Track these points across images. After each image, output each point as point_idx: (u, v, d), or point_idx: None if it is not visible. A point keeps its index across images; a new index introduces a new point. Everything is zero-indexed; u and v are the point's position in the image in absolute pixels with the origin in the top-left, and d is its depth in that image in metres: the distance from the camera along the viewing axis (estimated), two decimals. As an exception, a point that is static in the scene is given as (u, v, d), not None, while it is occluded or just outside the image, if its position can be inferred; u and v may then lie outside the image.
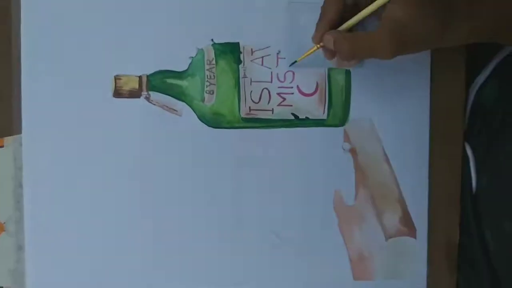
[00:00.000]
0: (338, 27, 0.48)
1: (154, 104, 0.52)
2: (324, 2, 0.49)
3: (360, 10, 0.47)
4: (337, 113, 0.54)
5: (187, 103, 0.53)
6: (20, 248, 0.51)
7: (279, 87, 0.54)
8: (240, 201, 0.53)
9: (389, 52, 0.46)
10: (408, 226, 0.56)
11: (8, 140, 0.51)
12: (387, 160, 0.55)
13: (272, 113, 0.54)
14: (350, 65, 0.54)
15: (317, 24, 0.49)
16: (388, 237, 0.56)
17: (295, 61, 0.52)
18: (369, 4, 0.46)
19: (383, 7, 0.45)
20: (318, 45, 0.49)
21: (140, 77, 0.52)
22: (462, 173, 0.56)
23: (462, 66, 0.55)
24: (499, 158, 0.51)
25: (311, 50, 0.50)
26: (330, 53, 0.50)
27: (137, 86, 0.52)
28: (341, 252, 0.55)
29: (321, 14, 0.49)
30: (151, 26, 0.52)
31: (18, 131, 0.51)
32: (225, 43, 0.53)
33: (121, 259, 0.53)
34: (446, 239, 0.56)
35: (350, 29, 0.49)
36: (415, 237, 0.56)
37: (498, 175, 0.52)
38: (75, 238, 0.52)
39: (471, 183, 0.55)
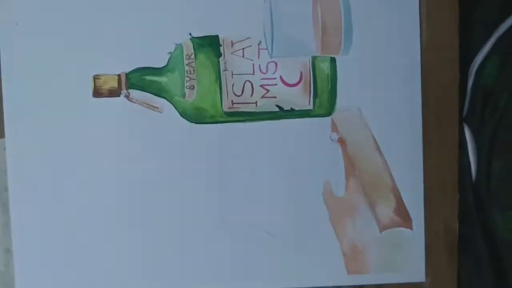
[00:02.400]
0: None
1: (134, 102, 0.52)
2: None
3: None
4: (323, 103, 0.52)
5: (167, 100, 0.52)
6: (7, 251, 0.52)
7: (262, 79, 0.52)
8: (226, 197, 0.52)
9: None
10: (403, 216, 0.54)
11: (-9, 144, 0.51)
12: (378, 149, 0.53)
13: (256, 105, 0.52)
14: (335, 51, 0.52)
15: None
16: (382, 228, 0.54)
17: None
18: None
19: None
20: None
21: (119, 75, 0.51)
22: (460, 159, 0.54)
23: (455, 43, 0.52)
24: (509, 142, 0.49)
25: None
26: None
27: (116, 84, 0.51)
28: (333, 246, 0.53)
29: None
30: (127, 23, 0.51)
31: (1, 135, 0.51)
32: (203, 36, 0.51)
33: (109, 260, 0.52)
34: (444, 228, 0.54)
35: None
36: (411, 228, 0.54)
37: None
38: (63, 240, 0.52)
39: (470, 170, 0.53)
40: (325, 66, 0.52)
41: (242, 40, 0.52)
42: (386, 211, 0.54)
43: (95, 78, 0.51)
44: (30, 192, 0.52)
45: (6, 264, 0.52)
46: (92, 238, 0.52)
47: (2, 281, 0.52)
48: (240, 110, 0.52)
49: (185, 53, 0.51)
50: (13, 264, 0.52)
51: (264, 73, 0.52)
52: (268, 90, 0.52)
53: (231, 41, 0.52)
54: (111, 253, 0.52)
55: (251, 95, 0.52)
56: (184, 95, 0.52)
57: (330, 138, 0.53)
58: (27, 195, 0.52)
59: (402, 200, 0.54)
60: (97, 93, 0.51)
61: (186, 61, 0.51)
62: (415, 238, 0.54)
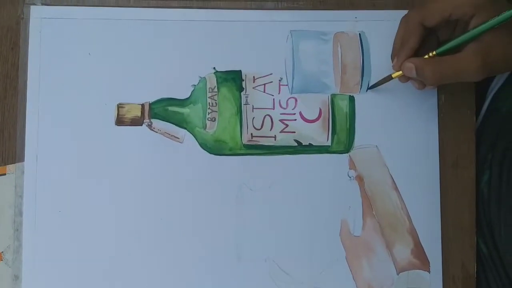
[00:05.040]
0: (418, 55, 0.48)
1: (156, 132, 0.52)
2: (402, 29, 0.48)
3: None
4: (342, 140, 0.53)
5: (188, 130, 0.52)
6: (16, 278, 0.50)
7: (281, 114, 0.53)
8: (242, 231, 0.52)
9: (476, 74, 0.45)
10: (420, 258, 0.53)
11: (10, 168, 0.51)
12: (396, 188, 0.53)
13: (275, 139, 0.53)
14: (354, 90, 0.53)
15: (398, 53, 0.48)
16: (399, 270, 0.53)
17: (373, 85, 0.52)
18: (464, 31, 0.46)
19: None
20: (396, 74, 0.49)
21: (142, 105, 0.52)
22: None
23: (471, 88, 0.54)
24: None
25: (396, 74, 0.49)
26: (411, 81, 0.50)
27: (139, 114, 0.52)
28: (349, 286, 0.52)
29: (399, 42, 0.49)
30: (154, 55, 0.53)
31: (21, 158, 0.51)
32: (227, 71, 0.53)
33: (119, 291, 0.51)
34: (462, 271, 0.53)
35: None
36: (428, 271, 0.53)
37: None
38: (74, 270, 0.51)
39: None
40: (343, 104, 0.53)
41: (264, 76, 0.53)
42: (404, 252, 0.53)
43: (119, 106, 0.52)
44: (45, 219, 0.51)
45: (13, 292, 0.50)
46: (103, 268, 0.51)
47: (8, 308, 0.50)
48: (259, 144, 0.53)
49: (208, 86, 0.53)
50: (20, 291, 0.50)
51: (284, 108, 0.53)
52: (287, 125, 0.53)
53: (253, 77, 0.53)
54: (122, 283, 0.51)
55: (271, 129, 0.53)
56: (205, 127, 0.52)
57: (348, 175, 0.53)
58: (41, 221, 0.51)
59: (420, 242, 0.53)
60: (120, 121, 0.52)
61: (209, 94, 0.53)
62: (432, 281, 0.53)
